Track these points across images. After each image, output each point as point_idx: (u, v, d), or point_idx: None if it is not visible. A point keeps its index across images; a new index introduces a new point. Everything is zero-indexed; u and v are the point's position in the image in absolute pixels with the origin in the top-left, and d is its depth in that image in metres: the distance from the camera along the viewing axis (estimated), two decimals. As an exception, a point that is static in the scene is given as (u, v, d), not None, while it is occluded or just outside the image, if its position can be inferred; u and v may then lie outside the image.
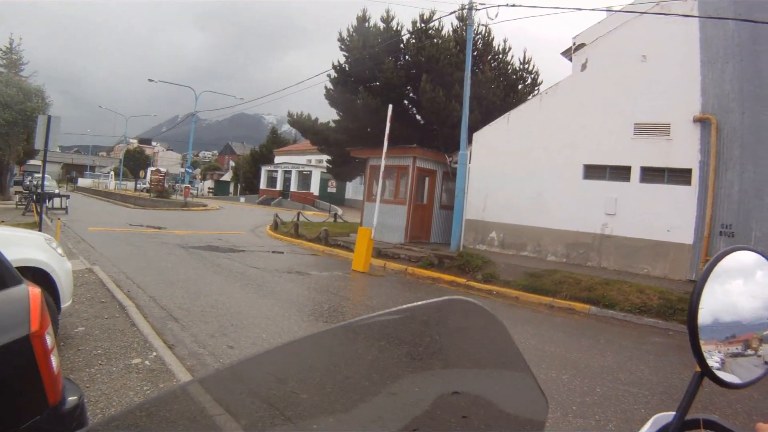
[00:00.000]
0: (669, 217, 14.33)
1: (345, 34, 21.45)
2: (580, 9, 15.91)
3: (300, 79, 58.16)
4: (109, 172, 78.62)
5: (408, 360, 0.91)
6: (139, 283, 9.78)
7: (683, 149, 14.21)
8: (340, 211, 34.58)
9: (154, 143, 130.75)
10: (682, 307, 10.37)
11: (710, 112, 13.92)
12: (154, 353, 5.73)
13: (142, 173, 60.19)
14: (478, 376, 0.94)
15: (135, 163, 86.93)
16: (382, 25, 21.36)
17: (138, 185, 59.02)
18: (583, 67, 15.63)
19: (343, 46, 21.58)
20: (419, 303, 0.93)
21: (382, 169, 14.56)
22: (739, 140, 13.77)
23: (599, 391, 5.85)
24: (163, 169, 52.60)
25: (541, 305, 11.39)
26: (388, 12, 21.23)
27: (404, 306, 0.87)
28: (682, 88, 14.17)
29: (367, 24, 21.43)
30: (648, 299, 11.10)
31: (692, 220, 14.19)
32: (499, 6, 15.11)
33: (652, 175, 14.77)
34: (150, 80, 41.96)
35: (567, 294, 11.68)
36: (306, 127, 24.03)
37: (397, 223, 17.60)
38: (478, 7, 15.66)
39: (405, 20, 20.80)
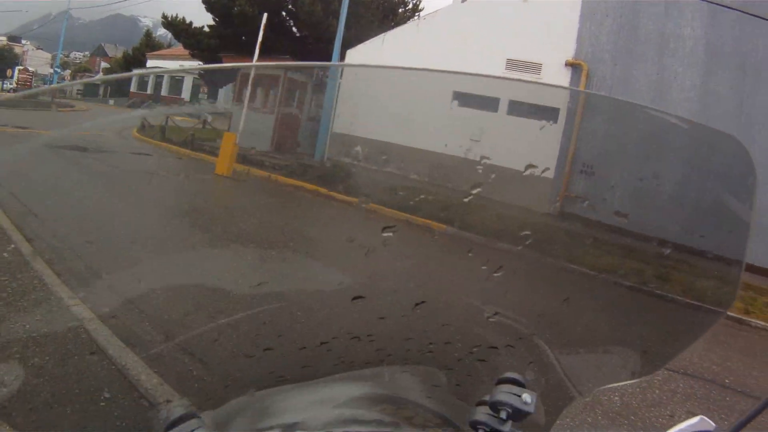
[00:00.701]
0: (531, 151, 13.48)
1: None
2: None
3: None
4: (-26, 70, 72.85)
5: None
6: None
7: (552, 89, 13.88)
8: (209, 118, 32.18)
9: (23, 41, 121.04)
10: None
11: (583, 59, 14.20)
12: (12, 246, 4.65)
13: (9, 72, 55.08)
14: None
15: (2, 61, 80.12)
16: None
17: (5, 85, 53.78)
18: (463, -1, 15.71)
19: None
20: None
21: (251, 76, 13.32)
22: (607, 89, 14.05)
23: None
24: (31, 69, 49.35)
25: (398, 220, 10.38)
26: None
27: None
28: (559, 33, 14.40)
29: None
30: (504, 226, 10.03)
31: (554, 158, 13.41)
32: None
33: (519, 108, 13.96)
34: (22, -29, 39.74)
35: (425, 213, 10.49)
36: (180, 30, 22.69)
37: (264, 132, 15.97)
38: None
39: None
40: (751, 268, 12.04)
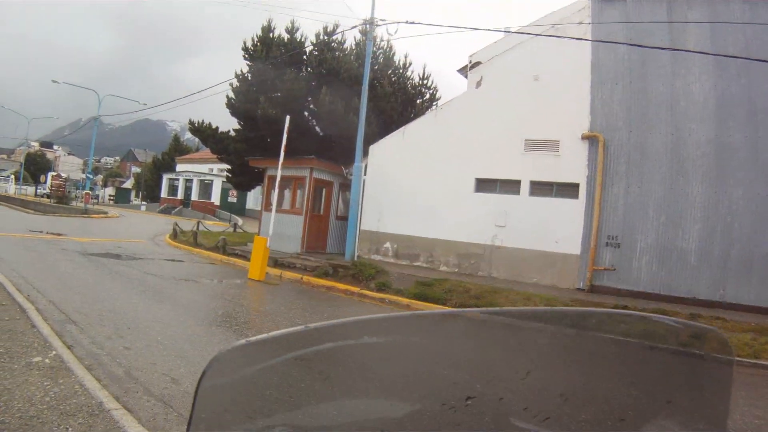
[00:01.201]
0: (557, 229, 14.41)
1: (249, 44, 21.61)
2: (477, 29, 16.85)
3: (203, 87, 56.83)
4: (8, 176, 75.16)
5: None
6: (39, 287, 9.71)
7: (571, 165, 14.60)
8: (240, 221, 33.07)
9: (55, 147, 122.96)
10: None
11: (598, 130, 14.53)
12: (54, 352, 5.90)
13: (42, 178, 56.20)
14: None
15: (36, 167, 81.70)
16: (286, 36, 21.44)
17: (38, 190, 56.07)
18: (478, 84, 16.16)
19: (246, 56, 21.52)
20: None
21: (278, 179, 14.35)
22: (625, 157, 14.35)
23: None
24: (63, 174, 49.28)
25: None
26: (293, 23, 21.47)
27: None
28: (572, 107, 14.79)
29: (271, 34, 21.59)
30: (534, 305, 10.90)
31: (579, 232, 14.32)
32: (398, 23, 15.73)
33: (541, 188, 14.98)
34: (54, 81, 40.71)
35: (456, 302, 11.57)
36: (207, 135, 23.09)
37: (293, 233, 17.23)
38: (379, 23, 16.14)
39: (309, 32, 21.13)
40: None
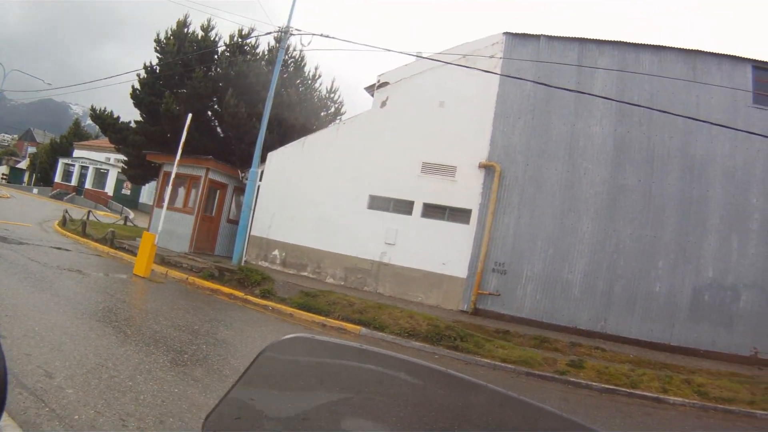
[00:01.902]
0: (445, 251, 14.55)
1: (162, 36, 21.25)
2: (389, 50, 16.80)
3: (111, 73, 54.56)
4: None
5: None
6: None
7: (466, 191, 14.81)
8: (131, 215, 31.78)
9: None
10: (449, 334, 10.80)
11: (496, 160, 14.84)
12: None
13: None
14: None
15: None
16: (200, 34, 21.32)
17: None
18: (383, 104, 16.24)
19: (158, 48, 21.08)
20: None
21: (173, 176, 14.05)
22: (520, 188, 14.67)
23: None
24: None
25: (314, 323, 11.55)
26: (209, 21, 21.22)
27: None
28: (474, 136, 15.06)
29: (186, 30, 21.27)
30: (417, 324, 11.17)
31: (467, 257, 14.46)
32: (312, 34, 15.68)
33: (433, 211, 15.09)
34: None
35: (339, 315, 11.66)
36: (107, 123, 22.29)
37: (183, 232, 16.81)
38: (294, 32, 16.03)
39: (224, 33, 21.01)
40: (666, 347, 12.75)
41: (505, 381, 9.30)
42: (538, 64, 15.06)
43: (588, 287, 13.88)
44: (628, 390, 9.55)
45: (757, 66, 14.65)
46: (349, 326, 11.25)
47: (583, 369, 10.13)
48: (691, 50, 14.91)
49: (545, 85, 14.25)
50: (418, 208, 15.06)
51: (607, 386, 9.56)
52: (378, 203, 15.57)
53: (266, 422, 1.17)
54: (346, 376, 1.24)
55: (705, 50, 14.92)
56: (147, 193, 43.26)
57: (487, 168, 14.75)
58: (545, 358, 10.49)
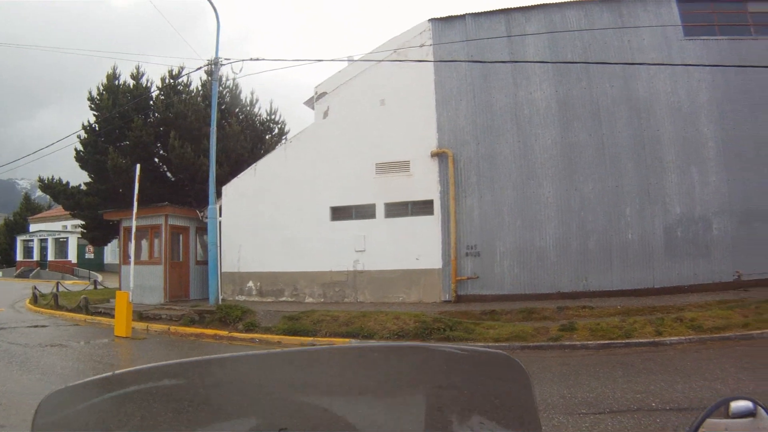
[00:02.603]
0: (416, 246, 14.53)
1: (95, 93, 21.00)
2: (321, 60, 16.88)
3: (53, 140, 53.39)
4: None
5: None
6: None
7: (423, 182, 14.85)
8: (100, 278, 31.79)
9: None
10: (438, 326, 10.82)
11: (446, 146, 14.86)
12: None
13: None
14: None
15: None
16: (132, 82, 21.10)
17: None
18: (325, 114, 16.18)
19: (93, 105, 20.83)
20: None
21: (133, 230, 13.94)
22: (475, 168, 14.71)
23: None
24: None
25: (304, 346, 11.21)
26: (138, 68, 21.20)
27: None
28: (420, 127, 15.07)
29: (117, 82, 21.02)
30: (405, 324, 11.16)
31: (438, 246, 14.48)
32: (243, 60, 15.62)
33: (396, 209, 15.09)
34: None
35: (327, 331, 11.61)
36: (58, 191, 21.97)
37: (155, 284, 16.51)
38: (224, 62, 15.88)
39: (155, 77, 20.84)
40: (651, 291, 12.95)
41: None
42: (469, 44, 15.14)
43: (562, 250, 13.98)
44: (623, 341, 9.64)
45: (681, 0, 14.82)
46: (338, 340, 11.17)
47: (576, 331, 10.21)
48: (614, -2, 15.04)
49: (479, 62, 14.42)
50: (380, 210, 15.05)
51: (602, 342, 9.65)
52: (340, 213, 15.50)
53: None
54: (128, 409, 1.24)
55: (627, -5, 15.06)
56: (110, 252, 42.69)
57: (440, 155, 14.78)
58: (536, 329, 10.54)
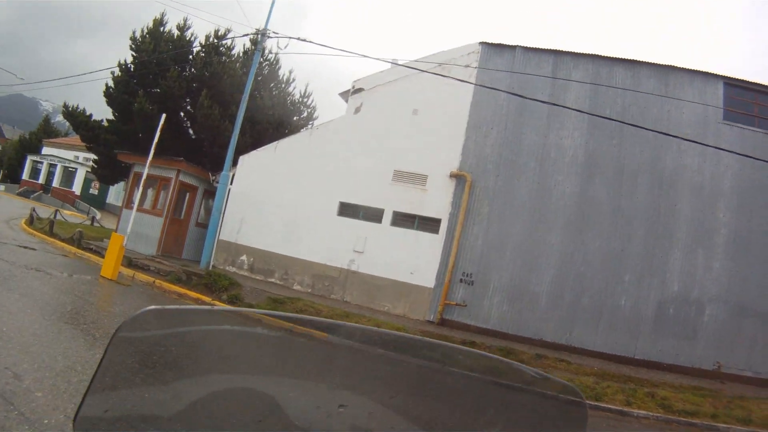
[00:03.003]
0: (414, 260, 14.52)
1: (138, 35, 21.02)
2: (365, 56, 16.79)
3: (84, 70, 52.81)
4: None
5: None
6: None
7: (436, 200, 14.84)
8: (98, 215, 31.89)
9: None
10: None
11: (467, 170, 14.87)
12: None
13: None
14: None
15: None
16: (176, 33, 21.18)
17: None
18: (357, 110, 16.20)
19: (134, 46, 20.84)
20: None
21: (144, 176, 13.80)
22: (489, 199, 14.71)
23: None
24: None
25: (281, 329, 10.93)
26: (185, 20, 21.32)
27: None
28: (446, 145, 15.06)
29: (162, 29, 21.14)
30: None
31: (435, 266, 14.45)
32: (290, 38, 15.57)
33: (403, 220, 15.06)
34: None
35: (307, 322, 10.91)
36: (79, 121, 21.99)
37: (151, 234, 16.59)
38: (271, 35, 15.89)
39: (200, 33, 20.82)
40: (631, 361, 12.95)
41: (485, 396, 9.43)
42: (513, 75, 15.14)
43: (555, 299, 13.99)
44: (592, 402, 9.60)
45: (728, 83, 14.88)
46: (317, 333, 11.24)
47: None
48: (665, 65, 15.09)
49: (519, 96, 14.31)
50: (388, 217, 15.04)
51: None
52: (348, 210, 15.51)
53: (138, 407, 1.17)
54: (208, 341, 1.31)
55: (678, 66, 15.07)
56: (114, 193, 43.00)
57: (458, 178, 14.79)
58: None
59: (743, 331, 13.43)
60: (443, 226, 14.66)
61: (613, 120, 14.17)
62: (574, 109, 14.38)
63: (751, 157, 13.41)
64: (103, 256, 13.92)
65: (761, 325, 13.49)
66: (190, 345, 1.28)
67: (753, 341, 13.40)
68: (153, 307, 1.17)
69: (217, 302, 12.46)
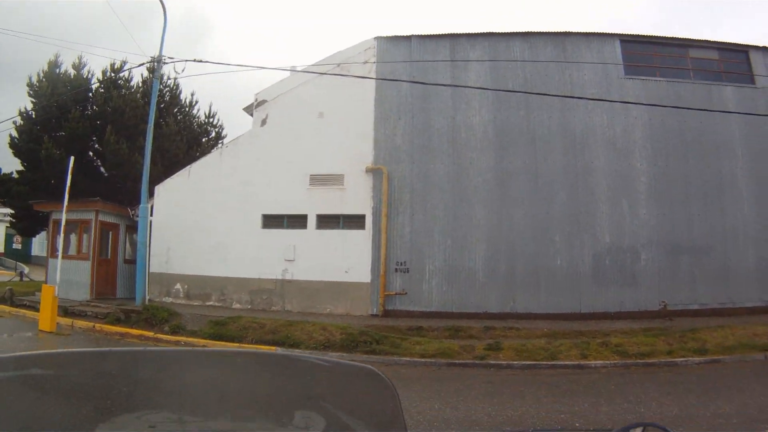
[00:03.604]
0: (346, 259, 14.57)
1: (35, 79, 20.47)
2: (263, 67, 17.07)
3: None
4: None
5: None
6: None
7: (357, 197, 14.95)
8: (26, 269, 30.39)
9: None
10: (364, 339, 10.89)
11: (382, 163, 15.00)
12: None
13: None
14: None
15: None
16: (72, 72, 20.77)
17: None
18: (263, 122, 16.11)
19: (31, 92, 20.30)
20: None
21: (62, 223, 13.62)
22: (409, 187, 14.88)
23: None
24: None
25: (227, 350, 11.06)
26: (80, 59, 20.86)
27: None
28: (357, 142, 15.18)
29: (58, 70, 20.69)
30: (331, 336, 11.25)
31: (368, 261, 14.51)
32: (186, 61, 15.33)
33: (327, 221, 15.09)
34: None
35: (252, 338, 11.55)
36: None
37: (81, 280, 15.99)
38: (166, 60, 15.57)
39: (97, 69, 20.47)
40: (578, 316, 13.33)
41: (428, 374, 9.37)
42: (413, 64, 15.35)
43: (491, 271, 14.21)
44: (548, 362, 9.78)
45: (624, 39, 15.52)
46: (264, 347, 10.97)
47: (501, 350, 10.32)
48: (560, 33, 15.64)
49: (421, 83, 14.58)
50: (312, 221, 15.01)
51: (527, 362, 9.78)
52: (272, 221, 15.41)
53: None
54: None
55: (573, 31, 15.61)
56: (38, 244, 41.16)
57: (374, 171, 14.90)
58: (463, 346, 10.64)
59: (681, 267, 13.99)
60: (368, 221, 14.72)
61: (516, 92, 14.53)
62: (476, 87, 14.73)
63: (657, 105, 13.94)
64: (38, 311, 13.49)
65: (696, 259, 14.08)
66: None
67: (692, 275, 13.98)
68: None
69: (160, 335, 12.29)
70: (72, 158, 13.40)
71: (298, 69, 16.12)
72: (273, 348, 10.86)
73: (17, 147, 20.17)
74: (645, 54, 15.65)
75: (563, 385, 8.42)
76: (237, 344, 11.28)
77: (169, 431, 1.27)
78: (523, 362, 9.79)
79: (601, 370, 9.49)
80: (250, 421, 1.33)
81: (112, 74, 20.23)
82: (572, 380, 8.73)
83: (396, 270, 14.42)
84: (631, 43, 15.51)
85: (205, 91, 26.54)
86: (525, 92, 14.59)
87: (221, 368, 1.43)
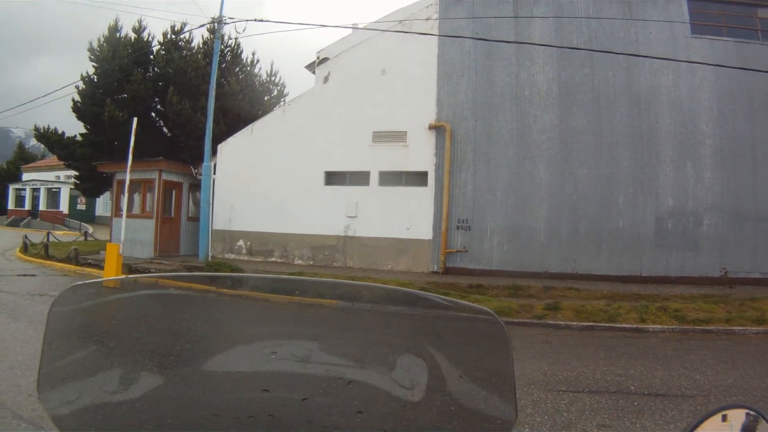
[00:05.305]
0: (408, 216, 14.55)
1: (95, 44, 20.77)
2: (325, 26, 16.96)
3: (49, 89, 52.17)
4: None
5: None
6: None
7: (419, 154, 14.84)
8: (90, 229, 31.43)
9: None
10: None
11: (445, 120, 14.84)
12: None
13: None
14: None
15: None
16: (133, 36, 21.05)
17: None
18: (326, 79, 16.10)
19: (92, 57, 20.62)
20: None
21: (127, 183, 13.73)
22: (472, 144, 14.68)
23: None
24: None
25: (290, 304, 11.03)
26: (140, 22, 21.18)
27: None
28: (419, 99, 15.04)
29: (118, 34, 20.95)
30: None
31: (430, 218, 14.47)
32: (246, 20, 15.43)
33: (390, 178, 15.05)
34: None
35: (315, 292, 10.92)
36: (53, 141, 21.94)
37: (146, 238, 16.40)
38: (227, 20, 15.65)
39: (157, 31, 20.66)
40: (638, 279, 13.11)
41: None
42: (475, 21, 15.12)
43: (553, 231, 14.06)
44: (607, 324, 9.61)
45: (691, -1, 14.87)
46: (325, 302, 11.26)
47: (560, 310, 10.18)
48: (625, -11, 15.07)
49: (484, 39, 14.33)
50: (374, 178, 15.03)
51: (586, 324, 9.62)
52: (334, 178, 15.49)
53: (86, 369, 1.28)
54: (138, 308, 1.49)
55: (638, -12, 15.07)
56: (102, 204, 42.32)
57: (438, 128, 14.78)
58: (522, 305, 10.52)
59: (744, 235, 13.55)
60: (431, 178, 14.67)
61: (581, 49, 14.18)
62: (540, 44, 14.41)
63: (724, 66, 13.45)
64: (102, 269, 13.74)
65: (760, 227, 13.61)
66: (122, 311, 1.44)
67: (755, 243, 13.54)
68: (85, 281, 1.30)
69: (223, 289, 12.48)
70: (135, 119, 13.46)
71: (360, 26, 16.14)
72: (334, 302, 11.04)
73: (80, 111, 20.55)
74: (712, 13, 15.05)
75: (620, 347, 8.30)
76: (298, 297, 11.44)
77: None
78: (582, 323, 9.65)
79: (659, 334, 9.32)
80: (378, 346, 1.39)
81: (173, 36, 20.48)
82: (629, 343, 8.58)
83: (457, 228, 14.38)
84: (698, 1, 14.92)
85: (266, 50, 26.56)
86: (589, 50, 14.22)
87: (349, 299, 1.51)
